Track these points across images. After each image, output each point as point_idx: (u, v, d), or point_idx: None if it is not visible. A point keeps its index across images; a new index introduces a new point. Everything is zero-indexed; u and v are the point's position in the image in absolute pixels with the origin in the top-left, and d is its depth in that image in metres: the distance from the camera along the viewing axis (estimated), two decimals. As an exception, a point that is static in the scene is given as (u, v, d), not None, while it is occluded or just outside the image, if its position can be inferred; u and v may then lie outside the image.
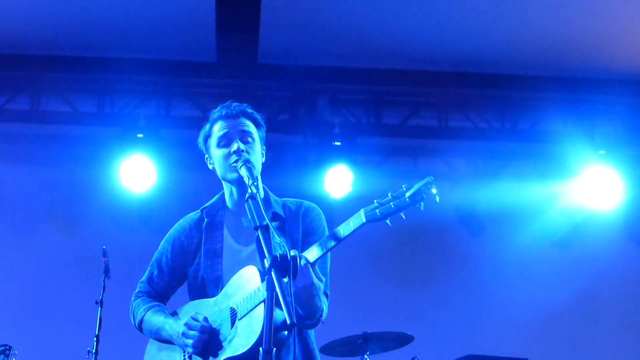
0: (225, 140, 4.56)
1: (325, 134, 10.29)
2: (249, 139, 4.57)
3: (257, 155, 4.58)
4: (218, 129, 4.61)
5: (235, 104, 4.69)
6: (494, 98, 10.63)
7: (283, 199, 4.75)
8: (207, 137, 4.68)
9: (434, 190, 3.82)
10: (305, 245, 4.35)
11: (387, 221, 3.93)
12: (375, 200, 3.95)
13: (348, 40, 9.78)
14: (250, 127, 4.63)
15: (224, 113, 4.64)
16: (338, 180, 10.07)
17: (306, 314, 4.20)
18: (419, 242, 10.00)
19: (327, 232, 4.48)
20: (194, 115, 10.17)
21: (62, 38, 9.75)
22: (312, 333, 4.56)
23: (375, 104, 10.63)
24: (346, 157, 10.11)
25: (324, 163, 10.16)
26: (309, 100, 10.47)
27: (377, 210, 3.92)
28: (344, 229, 4.04)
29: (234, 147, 4.49)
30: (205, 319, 4.38)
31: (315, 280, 4.08)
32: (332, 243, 4.07)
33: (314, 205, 4.74)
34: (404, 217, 3.90)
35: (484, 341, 9.84)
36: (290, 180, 9.66)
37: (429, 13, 9.37)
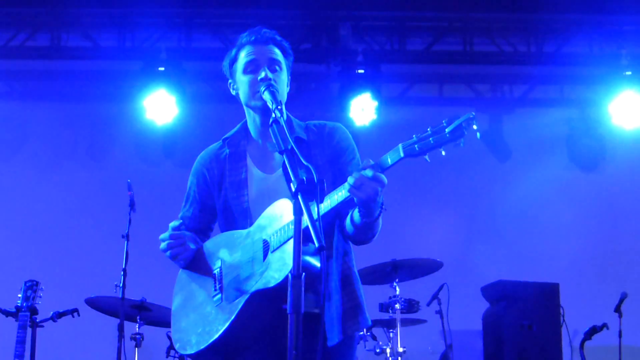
0: (252, 67, 4.43)
1: (349, 62, 10.18)
2: (277, 67, 4.45)
3: (284, 84, 4.47)
4: (245, 54, 4.48)
5: (265, 30, 4.55)
6: (519, 21, 10.52)
7: (306, 122, 4.62)
8: (233, 61, 4.54)
9: (474, 127, 3.67)
10: (334, 168, 4.29)
11: (426, 157, 3.78)
12: (414, 135, 3.78)
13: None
14: (279, 55, 4.51)
15: (253, 38, 4.50)
16: (362, 109, 9.99)
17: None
18: (446, 168, 9.93)
19: (357, 152, 4.42)
20: (216, 46, 10.13)
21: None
22: (352, 257, 4.46)
23: (399, 30, 10.52)
24: (370, 85, 10.01)
25: (347, 92, 10.09)
26: (331, 28, 10.35)
27: (415, 146, 3.76)
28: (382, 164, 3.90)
29: (262, 74, 4.37)
30: (178, 227, 4.40)
31: None
32: None
33: (339, 124, 4.59)
34: (443, 153, 3.74)
35: (513, 267, 9.80)
36: (314, 110, 9.59)
37: None
